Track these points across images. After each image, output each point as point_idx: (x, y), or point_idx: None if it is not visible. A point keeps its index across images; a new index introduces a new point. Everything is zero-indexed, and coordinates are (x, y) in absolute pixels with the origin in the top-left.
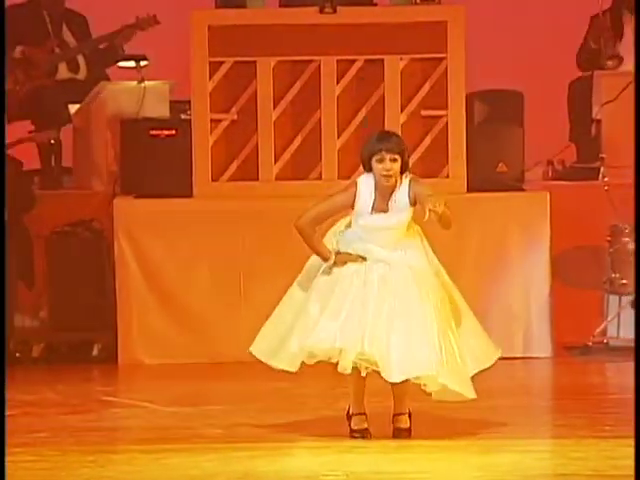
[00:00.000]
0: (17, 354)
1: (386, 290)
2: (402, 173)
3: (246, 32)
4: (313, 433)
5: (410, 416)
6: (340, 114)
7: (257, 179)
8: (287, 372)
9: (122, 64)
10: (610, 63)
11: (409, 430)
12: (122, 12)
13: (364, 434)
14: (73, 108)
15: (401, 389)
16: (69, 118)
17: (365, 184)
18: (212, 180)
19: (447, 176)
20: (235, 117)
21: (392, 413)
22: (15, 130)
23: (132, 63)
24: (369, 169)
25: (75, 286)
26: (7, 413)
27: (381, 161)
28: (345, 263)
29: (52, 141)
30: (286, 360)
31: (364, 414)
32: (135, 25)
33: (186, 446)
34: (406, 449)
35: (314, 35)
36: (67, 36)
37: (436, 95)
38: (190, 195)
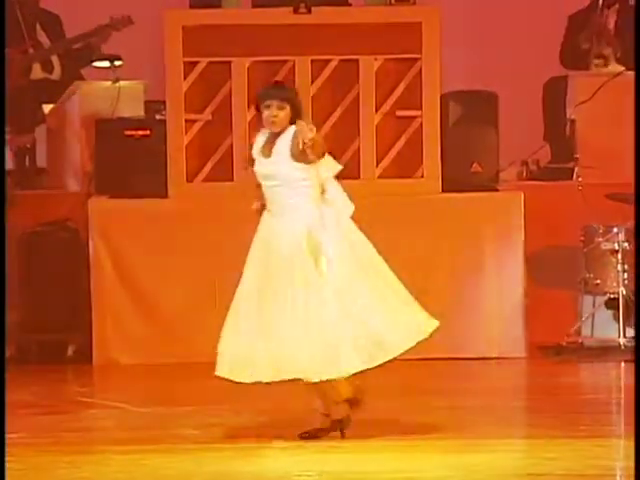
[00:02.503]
0: None
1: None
2: (291, 123)
3: (220, 32)
4: (288, 433)
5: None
6: (315, 114)
7: (232, 179)
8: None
9: (96, 64)
10: (597, 62)
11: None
12: (96, 12)
13: (312, 434)
14: (47, 108)
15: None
16: (43, 118)
17: (262, 133)
18: (187, 181)
19: (422, 176)
20: (210, 117)
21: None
22: None
23: (106, 63)
24: (261, 118)
25: (49, 286)
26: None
27: (268, 108)
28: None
29: (28, 145)
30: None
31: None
32: (109, 25)
33: (162, 446)
34: (380, 449)
35: (289, 35)
36: (41, 36)
37: (411, 95)
38: (165, 196)
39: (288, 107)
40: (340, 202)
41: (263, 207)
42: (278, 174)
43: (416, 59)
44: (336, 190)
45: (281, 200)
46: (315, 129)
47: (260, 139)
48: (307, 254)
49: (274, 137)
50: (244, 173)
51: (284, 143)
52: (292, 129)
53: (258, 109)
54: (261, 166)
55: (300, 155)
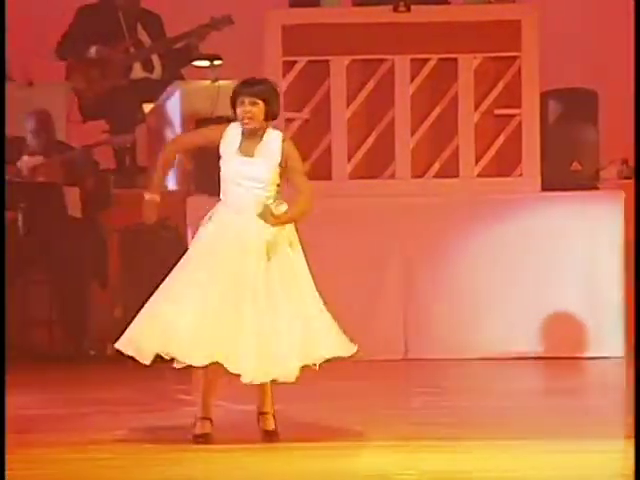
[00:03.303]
0: (92, 352)
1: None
2: (267, 120)
3: (320, 31)
4: (387, 432)
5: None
6: (413, 113)
7: (330, 178)
8: None
9: (196, 63)
10: None
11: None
12: (197, 12)
13: (207, 439)
14: (147, 107)
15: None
16: (143, 118)
17: (234, 128)
18: None
19: (520, 175)
20: (308, 116)
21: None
22: (90, 129)
23: (206, 62)
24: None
25: (150, 284)
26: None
27: (241, 104)
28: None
29: (128, 144)
30: None
31: (209, 419)
32: (210, 25)
33: (260, 445)
34: (479, 449)
35: (388, 34)
36: (142, 36)
37: (510, 94)
38: None
39: (261, 103)
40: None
41: (156, 204)
42: (262, 177)
43: (515, 57)
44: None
45: (253, 200)
46: (278, 206)
47: (232, 132)
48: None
49: (250, 134)
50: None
51: (273, 146)
52: (276, 134)
53: (233, 107)
54: (242, 165)
55: (285, 169)
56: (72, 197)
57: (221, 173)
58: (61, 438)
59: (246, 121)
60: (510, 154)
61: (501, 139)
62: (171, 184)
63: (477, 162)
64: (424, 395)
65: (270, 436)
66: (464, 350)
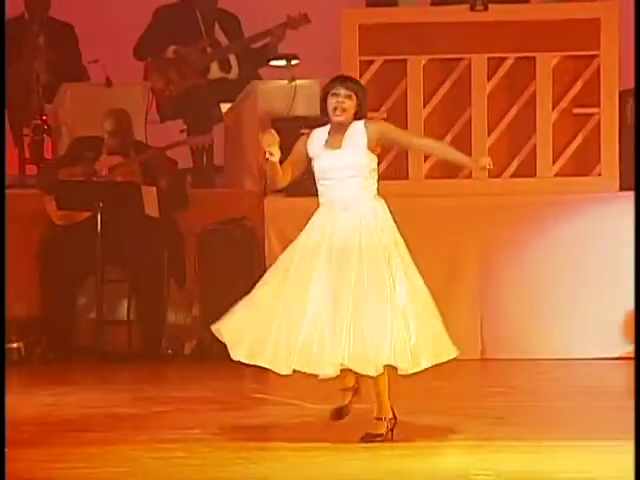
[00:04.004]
0: (169, 351)
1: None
2: (357, 118)
3: (396, 30)
4: (463, 432)
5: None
6: (490, 112)
7: (407, 178)
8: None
9: (273, 63)
10: None
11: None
12: (273, 11)
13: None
14: (224, 107)
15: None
16: (220, 117)
17: (319, 130)
18: None
19: (599, 174)
20: (385, 115)
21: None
22: (168, 129)
23: (283, 62)
24: (325, 110)
25: (227, 284)
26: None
27: (336, 95)
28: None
29: (205, 144)
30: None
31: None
32: (286, 24)
33: (335, 444)
34: (557, 449)
35: (465, 33)
36: (219, 36)
37: (588, 93)
38: None
39: (355, 98)
40: None
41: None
42: (353, 164)
43: (594, 56)
44: None
45: (352, 191)
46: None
47: (316, 136)
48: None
49: (336, 130)
50: None
51: (359, 135)
52: (360, 123)
53: (324, 100)
54: (332, 159)
55: (375, 147)
56: (150, 197)
57: (315, 174)
58: (138, 436)
59: (338, 112)
60: (588, 153)
61: (579, 138)
62: (248, 184)
63: (555, 161)
64: (500, 395)
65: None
66: (539, 350)
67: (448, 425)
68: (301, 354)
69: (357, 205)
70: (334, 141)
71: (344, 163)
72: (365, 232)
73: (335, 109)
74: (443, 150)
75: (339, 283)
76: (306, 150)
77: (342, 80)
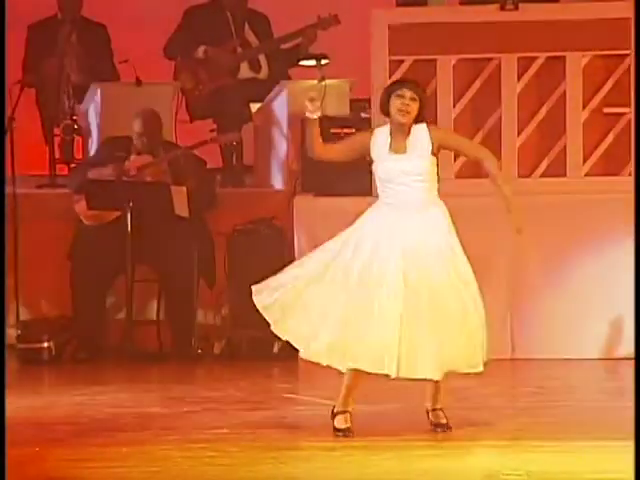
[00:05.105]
0: (199, 351)
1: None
2: (417, 122)
3: (426, 30)
4: (494, 432)
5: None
6: (520, 111)
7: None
8: None
9: (303, 63)
10: None
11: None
12: (303, 12)
13: (346, 433)
14: (254, 107)
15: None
16: (250, 117)
17: (380, 131)
18: None
19: (630, 174)
20: None
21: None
22: (198, 129)
23: (313, 62)
24: (386, 111)
25: (256, 284)
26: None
27: (401, 97)
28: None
29: (235, 143)
30: None
31: (348, 412)
32: (316, 25)
33: (366, 444)
34: (586, 450)
35: (495, 32)
36: (249, 36)
37: (619, 92)
38: (369, 194)
39: (419, 102)
40: None
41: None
42: (419, 170)
43: (625, 55)
44: None
45: (416, 195)
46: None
47: (380, 137)
48: None
49: (398, 133)
50: None
51: (423, 140)
52: (423, 126)
53: (387, 101)
54: (397, 163)
55: (437, 152)
56: (180, 196)
57: (376, 174)
58: (168, 436)
59: (402, 114)
60: (619, 153)
61: (610, 138)
62: (277, 184)
63: (585, 161)
64: (530, 395)
65: (442, 427)
66: (571, 350)
67: (478, 425)
68: (406, 359)
69: (427, 207)
70: (398, 145)
71: (410, 168)
72: (438, 234)
73: (400, 110)
74: (492, 171)
75: (418, 283)
76: (369, 149)
77: (407, 83)
